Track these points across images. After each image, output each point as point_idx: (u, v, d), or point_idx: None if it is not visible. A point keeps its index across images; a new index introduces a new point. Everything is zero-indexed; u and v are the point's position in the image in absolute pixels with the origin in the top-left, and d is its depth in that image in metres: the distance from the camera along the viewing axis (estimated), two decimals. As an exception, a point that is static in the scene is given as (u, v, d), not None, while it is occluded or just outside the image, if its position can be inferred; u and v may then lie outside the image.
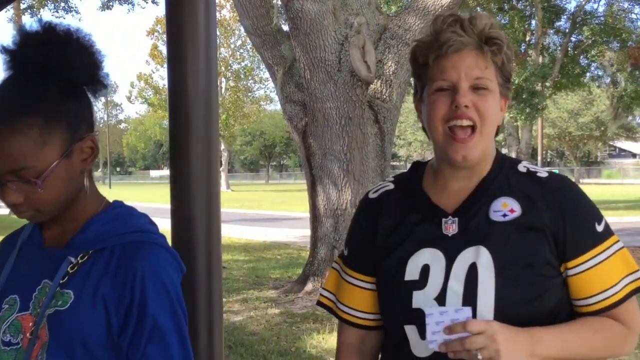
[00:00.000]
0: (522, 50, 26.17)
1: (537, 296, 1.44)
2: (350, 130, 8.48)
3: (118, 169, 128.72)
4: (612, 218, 21.48)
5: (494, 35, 1.48)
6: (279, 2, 8.45)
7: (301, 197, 27.86)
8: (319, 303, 1.77)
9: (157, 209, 30.36)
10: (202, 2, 1.63)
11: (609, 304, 1.47)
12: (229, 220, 22.58)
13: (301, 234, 16.76)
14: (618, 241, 1.51)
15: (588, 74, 27.57)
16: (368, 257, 1.63)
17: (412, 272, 1.51)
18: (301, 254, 13.15)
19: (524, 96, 23.84)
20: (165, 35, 1.69)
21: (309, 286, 8.64)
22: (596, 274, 1.47)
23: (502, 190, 1.53)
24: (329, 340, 6.49)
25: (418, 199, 1.59)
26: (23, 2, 24.63)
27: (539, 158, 38.22)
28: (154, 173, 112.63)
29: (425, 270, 1.50)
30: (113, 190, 64.09)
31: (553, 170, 1.61)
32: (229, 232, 18.14)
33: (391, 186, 1.68)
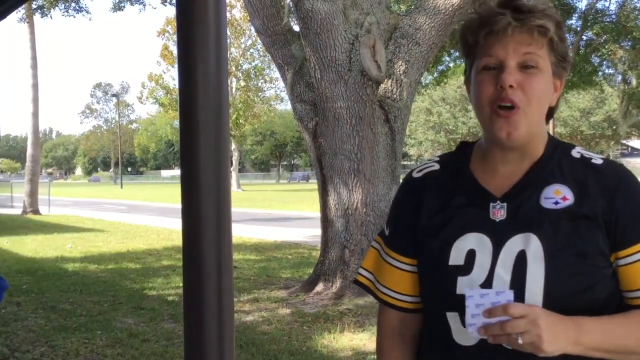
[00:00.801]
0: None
1: (588, 287, 1.39)
2: (361, 129, 8.47)
3: (129, 168, 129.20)
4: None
5: (543, 15, 1.43)
6: (289, 2, 8.45)
7: (312, 196, 27.88)
8: (357, 282, 1.73)
9: (167, 209, 30.21)
10: (213, 2, 1.63)
11: None
12: (240, 220, 22.64)
13: (312, 233, 16.78)
14: None
15: (600, 73, 27.46)
16: (410, 239, 1.59)
17: (457, 256, 1.47)
18: (312, 254, 13.17)
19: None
20: (175, 36, 1.70)
21: (319, 286, 8.63)
22: None
23: (555, 176, 1.48)
24: (340, 340, 6.48)
25: (465, 181, 1.55)
26: (35, 2, 24.75)
27: (551, 157, 38.05)
28: (165, 173, 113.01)
29: (470, 255, 1.46)
30: (124, 190, 64.33)
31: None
32: (240, 232, 18.19)
33: (436, 166, 1.63)
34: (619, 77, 30.19)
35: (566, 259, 1.39)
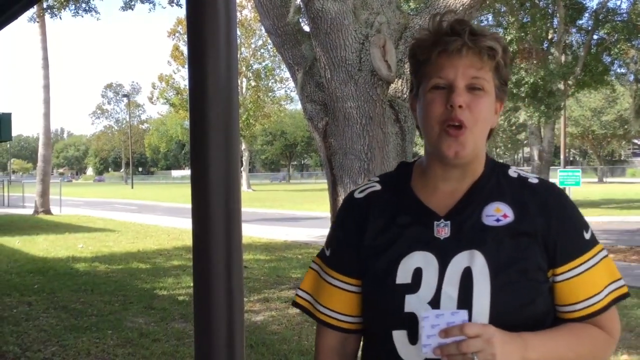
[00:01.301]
0: (545, 48, 25.99)
1: (530, 301, 1.44)
2: (371, 129, 8.45)
3: (140, 169, 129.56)
4: (638, 217, 21.25)
5: (491, 41, 1.48)
6: (299, 1, 8.43)
7: (322, 196, 27.87)
8: (295, 304, 1.73)
9: (177, 209, 30.26)
10: (223, 2, 1.64)
11: (593, 310, 1.49)
12: (250, 219, 22.66)
13: (322, 233, 16.77)
14: (603, 249, 1.54)
15: (611, 72, 27.31)
16: (352, 259, 1.60)
17: (404, 275, 1.48)
18: (322, 254, 13.15)
19: (539, 95, 23.66)
20: (186, 36, 1.70)
21: (330, 286, 8.63)
22: (583, 281, 1.49)
23: (494, 194, 1.53)
24: (350, 340, 6.47)
25: (408, 200, 1.57)
26: (46, 1, 24.85)
27: (562, 157, 37.87)
28: (175, 173, 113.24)
29: (417, 273, 1.47)
30: (135, 190, 64.51)
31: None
32: (250, 232, 18.20)
33: (378, 186, 1.65)
34: (631, 76, 29.99)
35: (510, 274, 1.43)
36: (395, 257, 1.51)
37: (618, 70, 28.85)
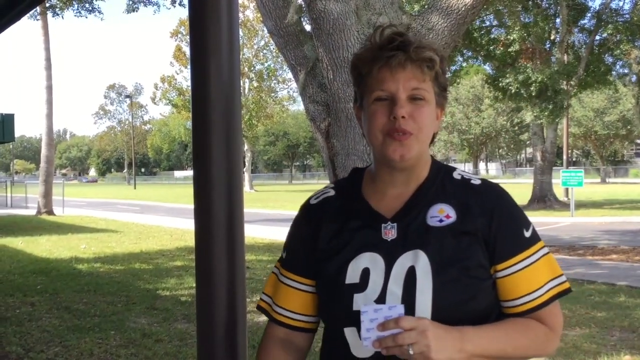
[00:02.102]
0: (547, 49, 25.97)
1: (471, 297, 1.51)
2: (374, 130, 8.44)
3: (143, 169, 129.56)
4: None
5: (430, 54, 1.55)
6: (299, 0, 8.44)
7: (324, 197, 27.86)
8: (259, 307, 1.80)
9: (180, 210, 30.29)
10: (225, 3, 1.64)
11: (533, 305, 1.56)
12: (252, 220, 22.66)
13: (324, 234, 16.74)
14: (544, 247, 1.61)
15: (614, 72, 27.28)
16: (306, 260, 1.68)
17: (352, 275, 1.56)
18: (324, 254, 13.16)
19: (548, 94, 23.63)
20: (188, 37, 1.70)
21: (332, 286, 8.64)
22: (523, 277, 1.55)
23: (439, 196, 1.60)
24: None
25: (358, 205, 1.65)
26: (48, 1, 24.88)
27: (564, 157, 37.85)
28: (177, 173, 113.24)
29: (365, 273, 1.55)
30: (138, 191, 64.56)
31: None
32: (252, 233, 18.21)
33: (332, 192, 1.74)
34: (633, 77, 29.98)
35: (451, 272, 1.51)
36: (345, 259, 1.59)
37: (620, 70, 28.81)
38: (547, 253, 1.60)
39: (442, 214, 1.57)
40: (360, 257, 1.57)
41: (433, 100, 1.58)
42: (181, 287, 10.12)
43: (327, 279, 1.62)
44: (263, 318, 8.08)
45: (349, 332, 1.55)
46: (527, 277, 1.56)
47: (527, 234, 1.59)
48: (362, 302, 1.52)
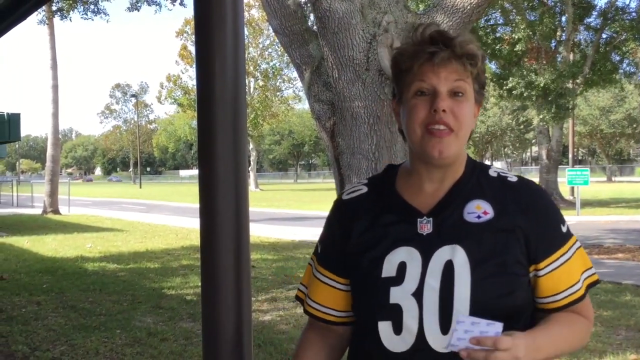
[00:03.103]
0: (553, 47, 25.90)
1: (509, 292, 1.52)
2: (379, 129, 8.43)
3: (148, 168, 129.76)
4: (645, 216, 21.16)
5: (473, 49, 1.56)
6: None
7: (330, 196, 27.88)
8: (296, 297, 1.84)
9: (185, 209, 30.34)
10: (230, 2, 1.64)
11: (574, 299, 1.59)
12: (258, 219, 22.67)
13: (330, 233, 16.73)
14: (577, 240, 1.64)
15: (620, 71, 27.19)
16: (339, 258, 1.69)
17: (389, 269, 1.57)
18: (330, 253, 13.15)
19: (550, 98, 23.57)
20: (194, 36, 1.70)
21: (337, 285, 8.63)
22: (563, 272, 1.58)
23: (475, 193, 1.61)
24: (358, 339, 6.47)
25: (392, 200, 1.66)
26: (55, 4, 24.92)
27: (570, 156, 37.74)
28: (183, 173, 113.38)
29: (402, 267, 1.56)
30: (143, 190, 64.65)
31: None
32: (258, 232, 18.21)
33: (364, 189, 1.73)
34: (640, 76, 29.87)
35: (489, 267, 1.52)
36: (381, 253, 1.59)
37: (627, 69, 28.71)
38: (580, 246, 1.63)
39: (479, 210, 1.58)
40: (396, 251, 1.57)
41: (472, 97, 1.59)
42: (187, 286, 10.13)
43: (362, 272, 1.62)
44: (267, 317, 8.11)
45: (383, 326, 1.56)
46: (567, 272, 1.58)
47: (564, 229, 1.62)
48: (399, 295, 1.53)
